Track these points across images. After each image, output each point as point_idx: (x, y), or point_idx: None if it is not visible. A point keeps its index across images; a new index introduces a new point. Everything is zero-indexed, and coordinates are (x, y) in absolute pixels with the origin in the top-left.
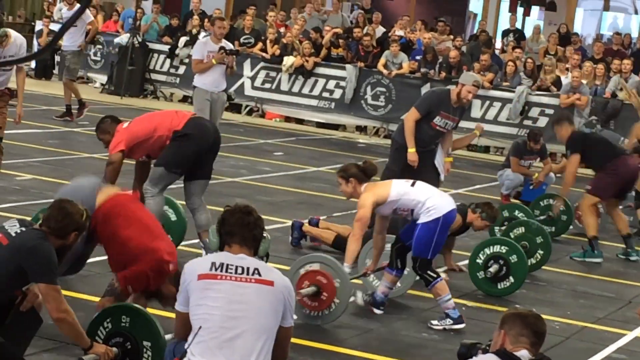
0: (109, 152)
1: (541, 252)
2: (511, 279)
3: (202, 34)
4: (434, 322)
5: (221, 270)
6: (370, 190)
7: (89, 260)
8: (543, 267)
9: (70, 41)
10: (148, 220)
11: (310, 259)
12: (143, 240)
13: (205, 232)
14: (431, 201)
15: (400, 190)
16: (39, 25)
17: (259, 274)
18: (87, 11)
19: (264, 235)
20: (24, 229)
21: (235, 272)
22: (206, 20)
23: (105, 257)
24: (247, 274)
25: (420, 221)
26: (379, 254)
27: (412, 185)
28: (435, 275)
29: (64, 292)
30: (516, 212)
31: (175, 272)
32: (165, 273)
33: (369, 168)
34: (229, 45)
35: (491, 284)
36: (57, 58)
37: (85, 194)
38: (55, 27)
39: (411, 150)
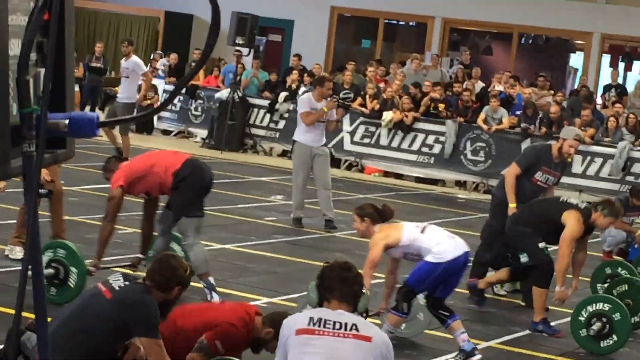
0: (110, 188)
1: None
2: (614, 337)
3: (302, 89)
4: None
5: (319, 326)
6: (383, 232)
7: None
8: None
9: (124, 93)
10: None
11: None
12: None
13: (204, 275)
14: (439, 247)
15: (410, 235)
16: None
17: (357, 330)
18: (141, 62)
19: (363, 291)
20: (127, 283)
21: (333, 328)
22: (305, 74)
23: None
24: (345, 329)
25: (425, 259)
26: (390, 293)
27: (422, 231)
28: (448, 314)
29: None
30: (619, 269)
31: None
32: (250, 319)
33: (386, 211)
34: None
35: (594, 342)
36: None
37: None
38: (157, 81)
39: (512, 206)
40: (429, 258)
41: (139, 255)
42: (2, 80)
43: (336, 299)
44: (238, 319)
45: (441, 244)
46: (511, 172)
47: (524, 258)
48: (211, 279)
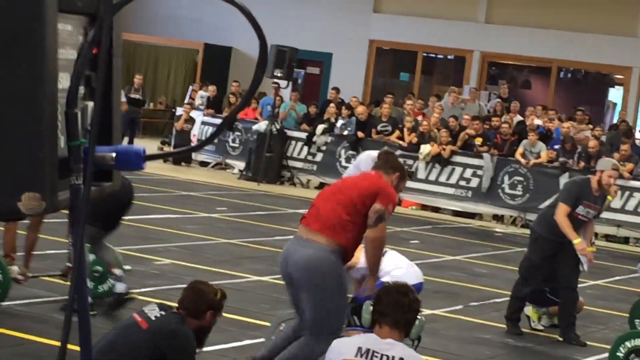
0: None
1: None
2: None
3: (340, 121)
4: None
5: (365, 358)
6: None
7: (225, 346)
8: None
9: None
10: None
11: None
12: None
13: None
14: (398, 272)
15: None
16: (179, 111)
17: None
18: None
19: (418, 317)
20: (163, 312)
21: None
22: (344, 107)
23: (242, 344)
24: None
25: (382, 279)
26: None
27: (382, 254)
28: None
29: None
30: None
31: None
32: None
33: None
34: None
35: None
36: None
37: None
38: (195, 113)
39: (577, 242)
40: (385, 279)
41: (68, 264)
42: (51, 113)
43: (388, 325)
44: (384, 182)
45: (401, 268)
46: (561, 212)
47: None
48: (117, 272)
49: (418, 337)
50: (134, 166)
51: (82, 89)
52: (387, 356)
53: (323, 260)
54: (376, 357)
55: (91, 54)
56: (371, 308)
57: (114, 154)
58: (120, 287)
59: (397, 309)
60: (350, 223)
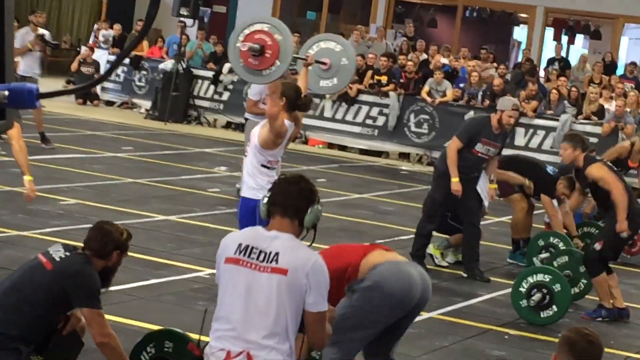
0: None
1: (585, 281)
2: (554, 307)
3: None
4: None
5: (244, 255)
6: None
7: (131, 286)
8: (587, 296)
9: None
10: None
11: (258, 19)
12: None
13: None
14: None
15: None
16: (83, 50)
17: (277, 261)
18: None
19: (314, 206)
20: (68, 253)
21: (257, 259)
22: None
23: (148, 283)
24: (267, 260)
25: None
26: None
27: None
28: None
29: (106, 316)
30: (552, 240)
31: None
32: None
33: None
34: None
35: (534, 312)
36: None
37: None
38: (98, 52)
39: (455, 180)
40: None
41: None
42: None
43: (278, 214)
44: None
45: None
46: (453, 146)
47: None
48: None
49: (313, 226)
50: (27, 104)
51: None
52: (265, 253)
53: None
54: (254, 253)
55: None
56: (265, 200)
57: (6, 92)
58: None
59: (286, 197)
60: None
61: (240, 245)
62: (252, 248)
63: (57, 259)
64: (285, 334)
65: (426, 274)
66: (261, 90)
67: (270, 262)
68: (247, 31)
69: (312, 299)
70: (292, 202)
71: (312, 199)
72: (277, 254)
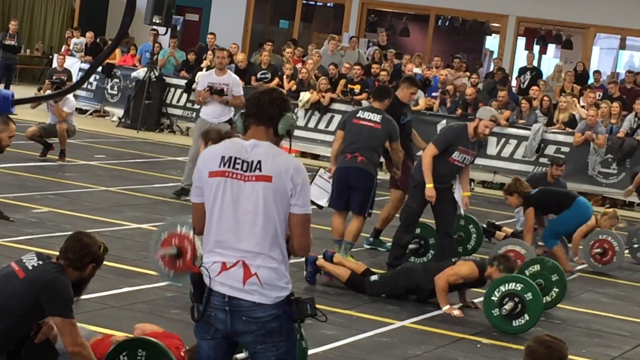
0: None
1: (556, 289)
2: (526, 316)
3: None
4: None
5: (229, 166)
6: None
7: (103, 294)
8: (558, 305)
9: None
10: None
11: (181, 221)
12: None
13: None
14: None
15: None
16: (56, 58)
17: (260, 169)
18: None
19: (286, 114)
20: (41, 262)
21: (241, 169)
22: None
23: (121, 291)
24: (250, 169)
25: None
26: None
27: None
28: None
29: (78, 324)
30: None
31: None
32: None
33: None
34: (221, 85)
35: (506, 321)
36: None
37: None
38: (71, 60)
39: (429, 186)
40: None
41: None
42: None
43: (254, 124)
44: None
45: None
46: (428, 153)
47: None
48: None
49: (287, 132)
50: (2, 110)
51: None
52: (247, 162)
53: None
54: (238, 164)
55: None
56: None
57: None
58: None
59: (259, 106)
60: None
61: (223, 157)
62: (235, 159)
63: (30, 268)
64: (276, 240)
65: None
66: (203, 81)
67: (254, 170)
68: (163, 236)
69: (298, 201)
70: (265, 110)
71: (284, 107)
72: (259, 162)
